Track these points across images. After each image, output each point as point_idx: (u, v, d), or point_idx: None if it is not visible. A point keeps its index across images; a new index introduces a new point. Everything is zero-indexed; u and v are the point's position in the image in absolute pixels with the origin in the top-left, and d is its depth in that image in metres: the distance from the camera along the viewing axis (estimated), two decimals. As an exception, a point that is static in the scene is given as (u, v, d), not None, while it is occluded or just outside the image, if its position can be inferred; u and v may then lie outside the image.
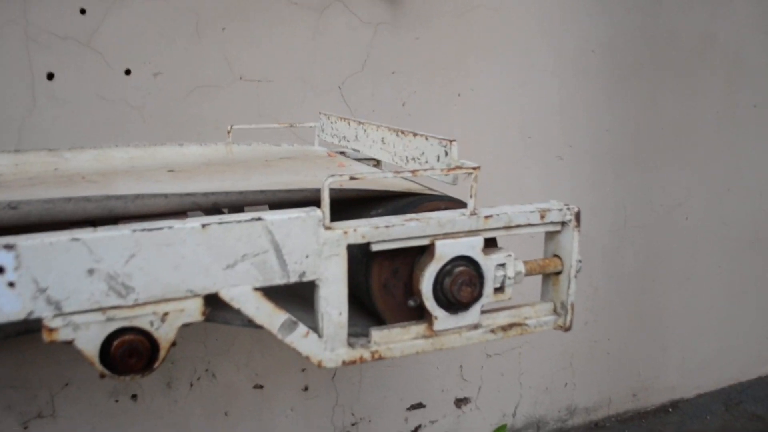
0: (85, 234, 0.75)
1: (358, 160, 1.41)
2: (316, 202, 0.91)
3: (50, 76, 1.57)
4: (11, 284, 0.73)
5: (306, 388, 1.93)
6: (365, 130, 1.26)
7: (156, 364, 0.82)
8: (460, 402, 2.18)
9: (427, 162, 1.04)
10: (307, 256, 0.84)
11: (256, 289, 0.83)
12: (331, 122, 1.44)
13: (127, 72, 1.62)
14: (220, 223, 0.79)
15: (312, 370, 1.91)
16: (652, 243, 2.42)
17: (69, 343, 0.78)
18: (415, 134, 1.07)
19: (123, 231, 0.76)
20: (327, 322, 0.88)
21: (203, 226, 0.79)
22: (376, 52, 1.83)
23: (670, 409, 2.63)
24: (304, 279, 0.85)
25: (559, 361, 2.35)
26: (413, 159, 1.08)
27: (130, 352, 0.79)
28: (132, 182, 1.14)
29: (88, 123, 1.60)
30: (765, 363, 2.86)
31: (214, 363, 1.81)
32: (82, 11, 1.57)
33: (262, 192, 0.91)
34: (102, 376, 0.82)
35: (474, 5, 1.93)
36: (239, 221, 0.80)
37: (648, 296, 2.47)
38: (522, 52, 2.03)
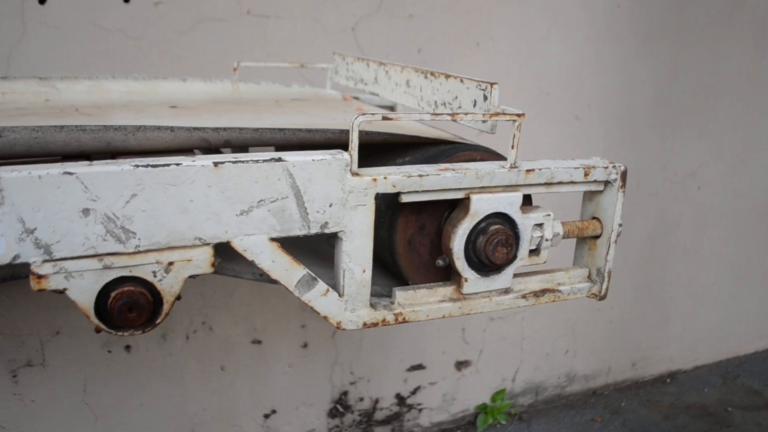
0: (80, 168, 0.64)
1: (374, 105, 1.30)
2: (337, 146, 0.81)
3: (42, 0, 1.43)
4: (-6, 222, 0.63)
5: (305, 345, 1.85)
6: (387, 72, 1.15)
7: (158, 320, 0.73)
8: (460, 365, 2.11)
9: (460, 107, 0.93)
10: (330, 205, 0.74)
11: (273, 239, 0.73)
12: (347, 63, 1.32)
13: (126, 0, 1.49)
14: (235, 162, 0.69)
15: (312, 326, 1.83)
16: (663, 211, 2.34)
17: (60, 293, 0.68)
18: (447, 76, 0.96)
19: (123, 166, 0.65)
20: (349, 279, 0.78)
21: (215, 164, 0.68)
22: (393, -7, 1.71)
23: (668, 380, 2.59)
24: (326, 231, 0.75)
25: (561, 328, 2.28)
26: (444, 104, 0.97)
27: (130, 306, 0.69)
28: (131, 116, 1.03)
29: (82, 53, 1.47)
30: (763, 338, 2.81)
31: (212, 315, 1.72)
32: (76, -72, 1.43)
33: (280, 130, 0.81)
34: (98, 330, 0.72)
35: (499, -52, 1.80)
36: (257, 161, 0.70)
37: (654, 266, 2.39)
38: (545, 2, 1.90)
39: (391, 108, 1.31)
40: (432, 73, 1.00)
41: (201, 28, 1.55)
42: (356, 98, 1.34)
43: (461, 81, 0.92)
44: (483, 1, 1.82)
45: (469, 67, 1.83)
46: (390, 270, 0.93)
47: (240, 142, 0.81)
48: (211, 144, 0.79)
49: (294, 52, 1.63)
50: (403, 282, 0.89)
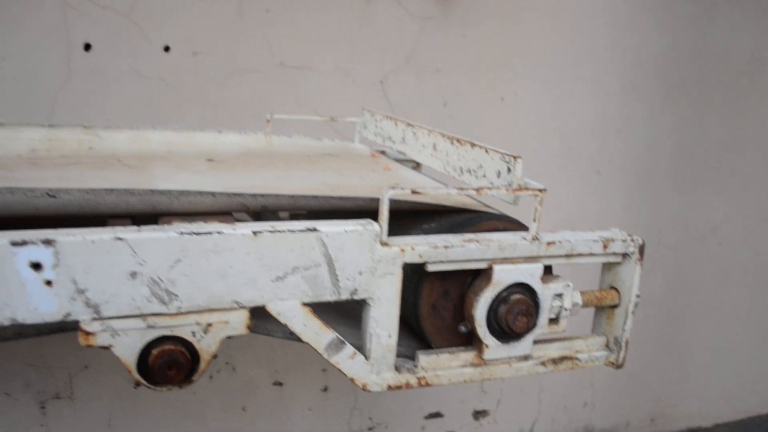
0: (130, 234, 0.69)
1: (399, 160, 1.35)
2: (368, 211, 0.85)
3: (87, 47, 1.52)
4: (48, 282, 0.68)
5: (325, 389, 1.88)
6: (414, 133, 1.20)
7: (195, 377, 0.77)
8: (478, 414, 2.13)
9: (485, 176, 0.98)
10: (360, 273, 0.79)
11: (305, 304, 0.78)
12: (376, 120, 1.38)
13: (166, 49, 1.57)
14: (273, 232, 0.74)
15: (333, 370, 1.86)
16: (683, 267, 2.35)
17: (106, 349, 0.73)
18: (473, 144, 1.01)
19: (169, 233, 0.70)
20: (375, 344, 0.82)
21: (254, 233, 0.73)
22: (421, 48, 1.77)
23: (687, 436, 2.58)
24: (355, 297, 0.80)
25: (580, 381, 2.29)
26: (469, 171, 1.02)
27: (170, 364, 0.74)
28: (170, 170, 1.09)
29: (122, 99, 1.55)
30: (785, 394, 2.79)
31: (235, 356, 1.76)
32: (122, -16, 1.51)
33: (314, 198, 0.86)
34: (137, 384, 0.77)
35: (525, 6, 1.86)
36: (293, 231, 0.74)
37: (674, 321, 2.40)
38: (570, 59, 1.96)
39: (417, 164, 1.36)
40: (458, 140, 1.05)
41: (236, 78, 1.62)
42: (382, 152, 1.40)
43: (486, 151, 0.97)
44: (508, 58, 1.88)
45: (493, 120, 1.88)
46: (413, 330, 0.97)
47: (276, 207, 0.86)
48: (249, 209, 0.85)
49: (324, 103, 1.70)
50: (425, 343, 0.93)
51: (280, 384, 1.84)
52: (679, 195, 2.26)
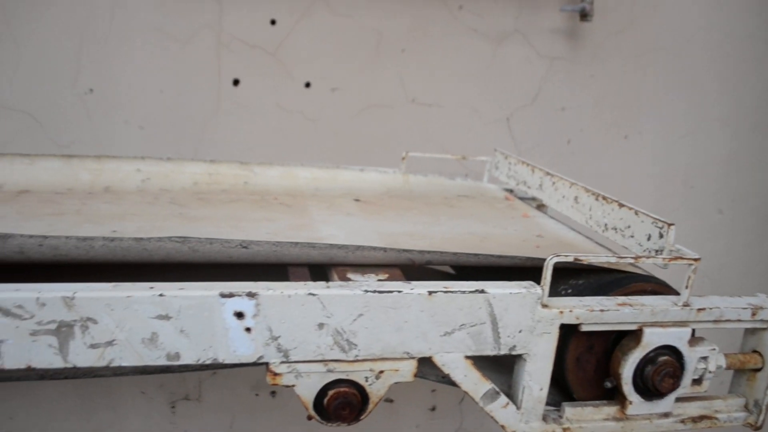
0: (321, 290, 0.77)
1: (523, 198, 1.39)
2: (522, 270, 0.90)
3: (236, 82, 1.63)
4: (248, 329, 0.76)
5: (433, 408, 1.94)
6: (554, 183, 1.24)
7: (363, 416, 0.84)
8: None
9: (632, 236, 1.01)
10: (520, 331, 0.84)
11: (467, 357, 0.83)
12: (509, 163, 1.42)
13: (307, 85, 1.66)
14: (446, 292, 0.79)
15: (441, 391, 1.92)
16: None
17: (288, 387, 0.80)
18: (621, 205, 1.04)
19: (356, 291, 0.77)
20: (527, 396, 0.87)
21: (429, 293, 0.79)
22: (548, 87, 1.80)
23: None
24: (513, 353, 0.85)
25: None
26: (614, 229, 1.05)
27: (344, 405, 0.81)
28: (324, 211, 1.17)
29: (265, 131, 1.65)
30: None
31: (349, 373, 1.84)
32: (273, 22, 1.61)
33: (475, 255, 0.91)
34: (309, 418, 0.84)
35: (653, 47, 1.86)
36: (463, 292, 0.80)
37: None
38: (696, 98, 1.94)
39: (542, 203, 1.39)
40: (604, 198, 1.08)
41: (369, 113, 1.70)
42: (510, 191, 1.44)
43: (636, 213, 1.00)
44: (632, 97, 1.88)
45: (616, 158, 1.89)
46: (554, 378, 1.01)
47: (439, 263, 0.92)
48: (415, 263, 0.91)
49: (451, 138, 1.75)
50: (566, 391, 0.97)
51: (391, 401, 1.90)
52: (800, 236, 2.19)
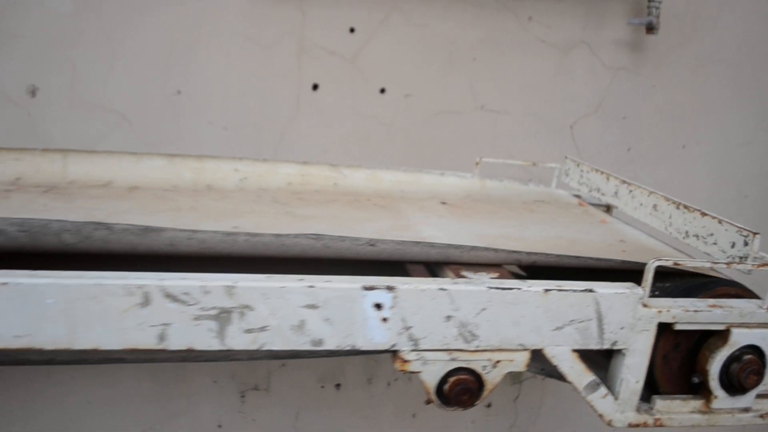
0: (450, 286, 0.86)
1: (593, 204, 1.48)
2: (617, 272, 1.00)
3: (315, 87, 1.73)
4: (385, 319, 0.86)
5: (489, 405, 2.03)
6: (630, 191, 1.33)
7: (477, 402, 0.94)
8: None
9: (715, 244, 1.10)
10: (621, 328, 0.93)
11: (574, 350, 0.93)
12: (581, 170, 1.51)
13: (382, 91, 1.76)
14: (559, 290, 0.89)
15: (498, 389, 2.01)
16: None
17: (414, 374, 0.90)
18: (703, 214, 1.13)
19: (480, 287, 0.87)
20: (625, 387, 0.96)
21: (545, 291, 0.89)
22: (610, 96, 1.89)
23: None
24: (614, 347, 0.94)
25: None
26: (696, 236, 1.14)
27: (464, 391, 0.91)
28: (417, 212, 1.27)
29: (342, 134, 1.75)
30: None
31: (411, 368, 1.94)
32: (351, 30, 1.71)
33: (576, 258, 1.01)
34: (428, 402, 0.94)
35: (714, 59, 1.94)
36: (575, 291, 0.89)
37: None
38: (752, 109, 2.02)
39: (608, 207, 1.48)
40: (686, 207, 1.17)
41: (440, 119, 1.79)
42: (577, 196, 1.53)
43: (719, 222, 1.09)
44: (691, 107, 1.96)
45: (673, 166, 1.98)
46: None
47: (543, 264, 1.01)
48: (521, 263, 1.01)
49: (516, 145, 1.85)
50: (651, 386, 1.06)
51: (450, 398, 2.00)
52: None
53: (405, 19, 1.72)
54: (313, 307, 0.84)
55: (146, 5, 1.61)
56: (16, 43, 1.59)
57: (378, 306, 0.85)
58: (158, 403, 1.86)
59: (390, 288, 0.85)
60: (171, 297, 0.81)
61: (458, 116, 1.80)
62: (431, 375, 0.90)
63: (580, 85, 1.86)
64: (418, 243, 0.96)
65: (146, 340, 0.82)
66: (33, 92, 1.62)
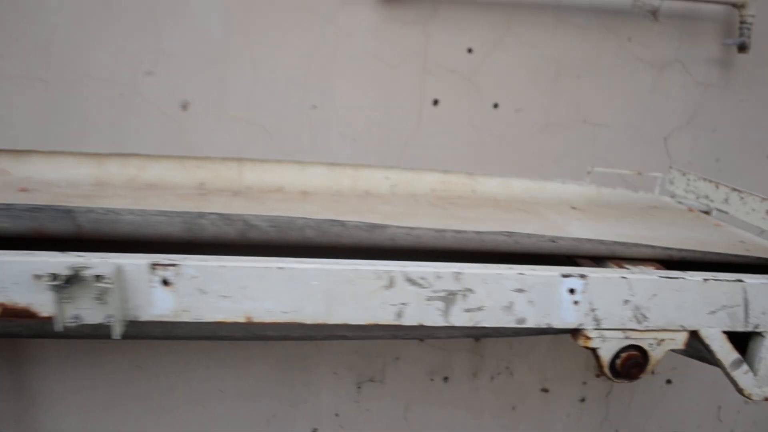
0: (630, 274, 1.08)
1: (701, 210, 1.69)
2: (747, 267, 1.22)
3: (435, 102, 1.96)
4: (576, 302, 1.08)
5: (583, 399, 2.24)
6: (742, 198, 1.54)
7: (641, 375, 1.15)
8: (717, 439, 2.43)
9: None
10: (763, 313, 1.14)
11: (723, 332, 1.14)
12: (688, 179, 1.73)
13: (495, 106, 1.98)
14: (715, 280, 1.11)
15: (591, 384, 2.22)
16: None
17: (592, 350, 1.12)
18: (819, 218, 1.34)
19: (653, 276, 1.09)
20: (764, 366, 1.17)
21: (704, 280, 1.10)
22: (701, 110, 2.10)
23: None
24: (756, 330, 1.15)
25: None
26: (811, 237, 1.35)
27: (635, 365, 1.12)
28: (559, 215, 1.49)
29: (458, 145, 1.98)
30: None
31: (514, 363, 2.16)
32: (470, 50, 1.94)
33: (718, 254, 1.22)
34: (598, 375, 1.16)
35: (798, 75, 2.15)
36: (728, 280, 1.11)
37: None
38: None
39: (706, 212, 1.68)
40: (802, 212, 1.38)
41: (547, 132, 2.02)
42: (679, 203, 1.74)
43: (837, 225, 1.30)
44: (777, 120, 2.17)
45: (758, 175, 2.18)
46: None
47: (692, 258, 1.23)
48: (673, 259, 1.22)
49: (615, 155, 2.06)
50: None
51: (546, 390, 2.21)
52: None
53: (517, 40, 1.95)
54: (521, 291, 1.06)
55: (288, 28, 1.85)
56: (170, 62, 1.83)
57: (571, 291, 1.07)
58: (281, 391, 2.09)
59: (582, 276, 1.07)
60: (410, 281, 1.03)
61: (563, 129, 2.02)
62: (607, 351, 1.12)
63: (674, 101, 2.07)
64: (590, 240, 1.18)
65: (386, 317, 1.05)
66: (185, 106, 1.87)
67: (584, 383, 2.23)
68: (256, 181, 1.56)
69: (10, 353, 2.03)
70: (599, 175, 1.82)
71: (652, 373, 1.32)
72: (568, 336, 1.15)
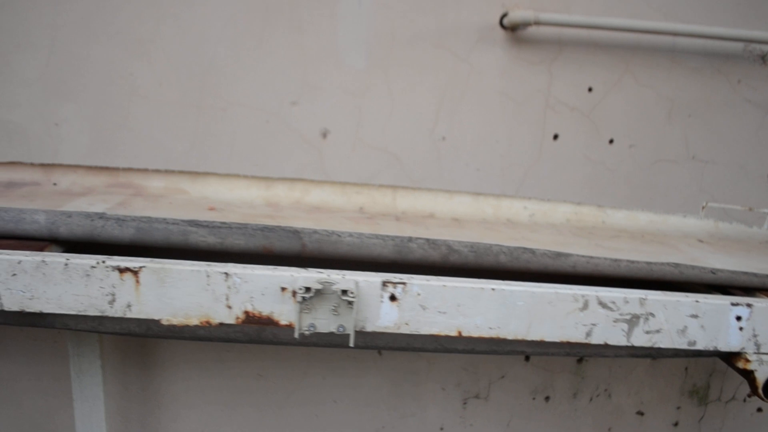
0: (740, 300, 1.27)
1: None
2: None
3: (555, 137, 2.16)
4: (741, 328, 1.27)
5: (676, 424, 2.42)
6: None
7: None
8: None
9: None
10: None
11: None
12: (801, 217, 1.92)
13: (611, 141, 2.19)
14: None
15: (685, 409, 2.40)
16: None
17: (748, 372, 1.31)
18: None
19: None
20: None
21: None
22: (803, 151, 2.29)
23: None
24: None
25: None
26: None
27: (789, 385, 1.31)
28: (687, 247, 1.68)
29: (575, 178, 2.18)
30: None
31: (612, 385, 2.34)
32: (590, 89, 2.15)
33: None
34: (749, 395, 1.35)
35: None
36: None
37: None
38: None
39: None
40: None
41: (658, 167, 2.21)
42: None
43: None
44: None
45: None
46: None
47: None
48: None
49: (720, 191, 2.26)
50: None
51: (642, 414, 2.39)
52: None
53: (634, 80, 2.15)
54: (695, 316, 1.25)
55: (424, 66, 2.07)
56: (314, 93, 2.05)
57: (738, 318, 1.27)
58: (391, 404, 2.29)
59: (749, 305, 1.26)
60: (602, 304, 1.23)
61: (673, 164, 2.22)
62: (763, 373, 1.31)
63: (778, 140, 2.27)
64: (745, 273, 1.38)
65: (577, 336, 1.25)
66: (325, 134, 2.08)
67: (678, 408, 2.41)
68: (408, 207, 1.77)
69: (139, 357, 2.24)
70: (712, 209, 2.02)
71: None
72: (665, 360, 1.34)
